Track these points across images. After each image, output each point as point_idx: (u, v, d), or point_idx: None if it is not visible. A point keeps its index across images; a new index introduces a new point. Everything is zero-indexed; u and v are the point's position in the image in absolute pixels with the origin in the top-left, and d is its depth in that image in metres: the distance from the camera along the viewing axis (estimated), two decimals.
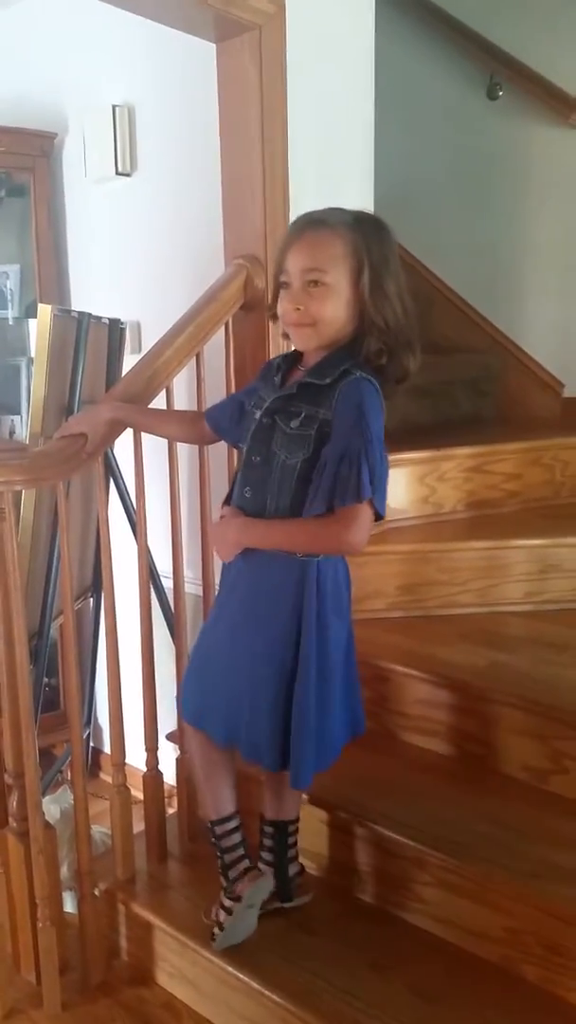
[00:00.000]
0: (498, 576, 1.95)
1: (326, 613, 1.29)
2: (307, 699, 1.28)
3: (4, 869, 1.56)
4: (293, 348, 1.32)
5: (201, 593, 1.78)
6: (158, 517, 1.65)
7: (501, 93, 2.67)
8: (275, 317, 1.29)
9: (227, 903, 1.43)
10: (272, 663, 1.28)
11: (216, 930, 1.42)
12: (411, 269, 2.95)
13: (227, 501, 1.36)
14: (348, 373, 1.21)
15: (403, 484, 2.06)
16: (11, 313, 2.67)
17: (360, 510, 1.17)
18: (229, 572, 1.37)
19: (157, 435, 1.55)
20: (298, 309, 1.20)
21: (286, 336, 1.29)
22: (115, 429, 1.48)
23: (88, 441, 1.42)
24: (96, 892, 1.58)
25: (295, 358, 1.32)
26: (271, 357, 1.50)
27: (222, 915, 1.43)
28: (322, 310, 1.19)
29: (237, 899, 1.42)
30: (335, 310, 1.19)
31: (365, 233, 1.19)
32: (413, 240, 2.93)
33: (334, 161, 1.86)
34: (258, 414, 1.30)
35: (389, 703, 1.75)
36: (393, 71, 2.71)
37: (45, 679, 2.54)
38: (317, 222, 1.20)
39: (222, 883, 1.45)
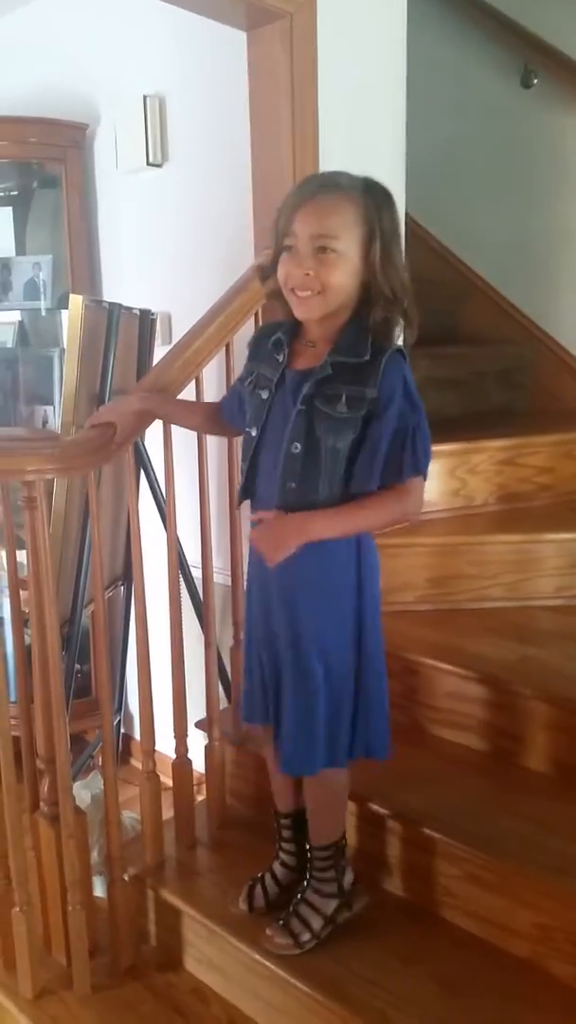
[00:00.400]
0: (529, 570, 1.93)
1: (376, 594, 1.31)
2: (381, 677, 1.34)
3: (35, 853, 1.58)
4: (280, 319, 1.29)
5: (229, 583, 1.79)
6: (187, 507, 1.65)
7: (535, 81, 2.62)
8: (266, 280, 1.26)
9: (330, 911, 1.41)
10: (346, 654, 1.29)
11: (307, 936, 1.40)
12: (443, 260, 2.93)
13: (245, 496, 1.32)
14: (381, 347, 1.19)
15: (434, 477, 2.04)
16: (44, 304, 2.69)
17: (418, 481, 1.20)
18: (264, 583, 1.32)
19: (183, 426, 1.55)
20: (307, 274, 1.15)
21: (276, 296, 1.24)
22: (144, 420, 1.48)
23: (117, 431, 1.41)
24: (125, 877, 1.59)
25: (293, 331, 1.26)
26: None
27: (317, 922, 1.40)
28: (331, 277, 1.15)
29: (349, 907, 1.43)
30: (344, 278, 1.15)
31: (376, 200, 1.16)
32: (446, 230, 2.91)
33: (365, 150, 1.83)
34: (265, 395, 1.25)
35: (418, 695, 1.74)
36: (425, 58, 2.67)
37: (77, 666, 2.57)
38: (330, 186, 1.15)
39: (329, 890, 1.42)
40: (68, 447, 1.45)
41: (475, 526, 2.03)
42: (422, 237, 2.93)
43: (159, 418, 1.51)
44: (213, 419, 1.50)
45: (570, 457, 2.15)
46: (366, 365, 1.17)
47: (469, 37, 2.71)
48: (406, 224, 2.93)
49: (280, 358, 1.25)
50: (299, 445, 1.20)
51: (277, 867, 1.52)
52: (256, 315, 1.71)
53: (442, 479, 2.07)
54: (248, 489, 1.31)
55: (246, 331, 1.71)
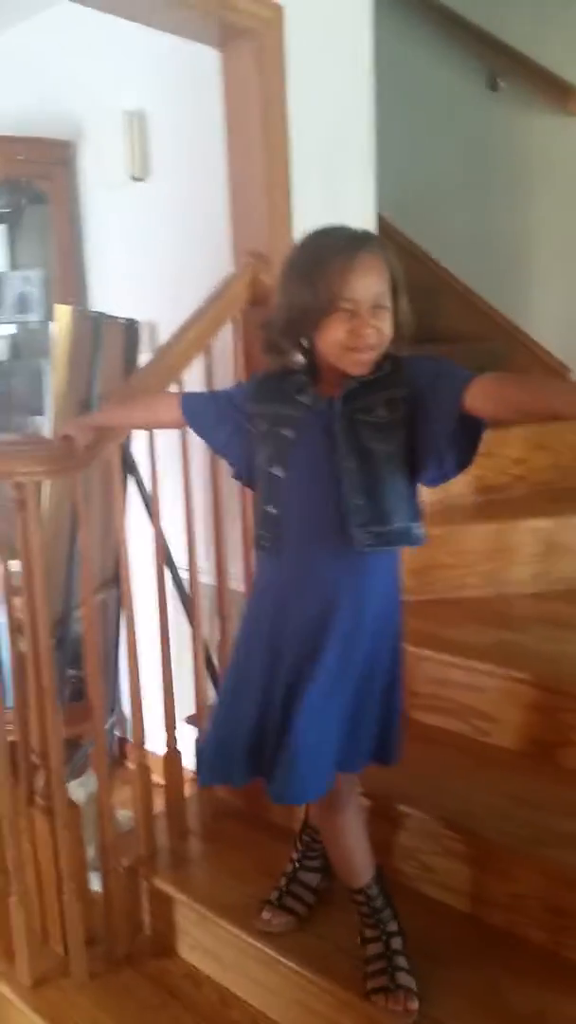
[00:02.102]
0: (506, 558, 1.99)
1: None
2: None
3: (32, 846, 1.63)
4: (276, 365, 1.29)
5: (216, 583, 1.84)
6: (174, 509, 1.71)
7: (502, 84, 2.70)
8: (277, 349, 1.26)
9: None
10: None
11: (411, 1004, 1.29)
12: (418, 261, 3.00)
13: (272, 541, 1.27)
14: (398, 359, 1.22)
15: None
16: (35, 317, 2.76)
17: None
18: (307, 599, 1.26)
19: (136, 428, 1.59)
20: (380, 332, 1.17)
21: (278, 354, 1.26)
22: (104, 434, 1.51)
23: (75, 444, 1.45)
24: (120, 869, 1.64)
25: (313, 374, 1.27)
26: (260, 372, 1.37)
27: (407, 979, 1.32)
28: (385, 331, 1.18)
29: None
30: (390, 329, 1.20)
31: (388, 252, 1.20)
32: (419, 231, 2.98)
33: (336, 159, 1.91)
34: (291, 434, 1.24)
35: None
36: (395, 65, 2.75)
37: (73, 671, 2.62)
38: (377, 244, 1.19)
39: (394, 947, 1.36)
40: (57, 450, 1.50)
41: (453, 517, 2.09)
42: (396, 239, 3.00)
43: (110, 426, 1.54)
44: (164, 410, 1.48)
45: (541, 448, 2.21)
46: (387, 375, 1.21)
47: (438, 43, 2.80)
48: (381, 227, 3.00)
49: (305, 400, 1.25)
50: (353, 461, 1.21)
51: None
52: (235, 320, 1.78)
53: None
54: (276, 532, 1.27)
55: (226, 335, 1.78)
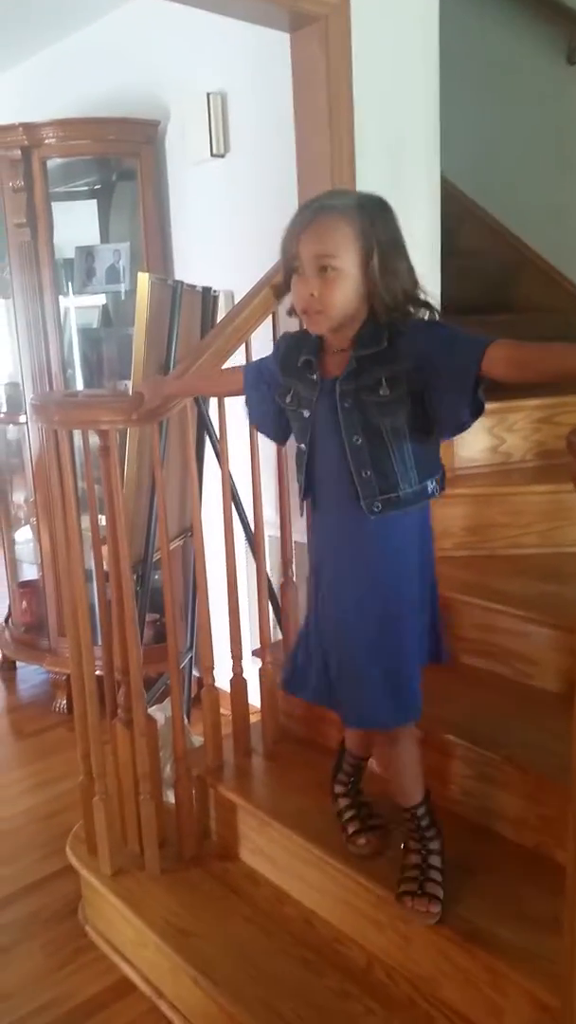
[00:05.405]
0: (562, 519, 2.07)
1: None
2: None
3: (114, 757, 1.85)
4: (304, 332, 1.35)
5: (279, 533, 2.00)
6: (243, 465, 1.87)
7: None
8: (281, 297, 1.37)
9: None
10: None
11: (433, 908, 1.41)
12: (496, 234, 3.05)
13: (306, 495, 1.40)
14: (401, 326, 1.24)
15: (471, 433, 2.18)
16: (123, 287, 2.97)
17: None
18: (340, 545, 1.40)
19: (207, 395, 1.76)
20: (312, 295, 1.22)
21: (293, 313, 1.32)
22: (171, 400, 1.68)
23: (144, 403, 1.60)
24: (191, 774, 1.84)
25: (317, 345, 1.32)
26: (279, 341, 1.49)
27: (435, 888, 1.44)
28: (332, 296, 1.21)
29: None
30: (344, 295, 1.21)
31: (372, 215, 1.20)
32: (498, 205, 3.03)
33: (400, 136, 2.00)
34: (307, 413, 1.32)
35: (450, 628, 1.90)
36: (473, 40, 2.82)
37: (156, 615, 2.85)
38: (326, 208, 1.21)
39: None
40: (134, 403, 1.68)
41: (511, 479, 2.18)
42: (475, 213, 3.06)
43: (183, 395, 1.70)
44: (229, 384, 1.62)
45: None
46: (387, 350, 1.23)
47: (516, 19, 2.82)
48: (459, 201, 3.05)
49: (314, 377, 1.31)
50: (359, 437, 1.27)
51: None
52: None
53: (479, 436, 2.21)
54: (309, 493, 1.40)
55: (288, 302, 1.91)
